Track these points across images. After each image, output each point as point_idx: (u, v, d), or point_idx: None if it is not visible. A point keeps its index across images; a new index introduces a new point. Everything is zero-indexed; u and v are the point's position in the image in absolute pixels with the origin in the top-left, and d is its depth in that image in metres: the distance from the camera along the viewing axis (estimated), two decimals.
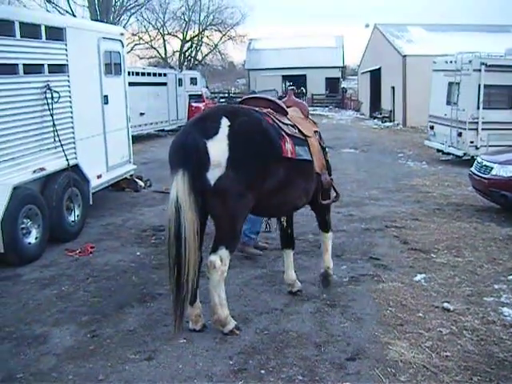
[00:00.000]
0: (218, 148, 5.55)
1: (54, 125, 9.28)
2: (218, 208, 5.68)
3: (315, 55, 58.28)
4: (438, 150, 20.79)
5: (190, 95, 31.39)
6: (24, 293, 7.23)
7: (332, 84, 59.81)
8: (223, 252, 5.72)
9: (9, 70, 8.47)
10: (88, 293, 7.19)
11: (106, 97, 11.40)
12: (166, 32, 53.29)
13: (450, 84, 19.80)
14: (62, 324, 6.24)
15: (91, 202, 10.51)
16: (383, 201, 12.92)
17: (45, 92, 9.11)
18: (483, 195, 11.94)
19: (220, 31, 54.74)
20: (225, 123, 5.67)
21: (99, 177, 11.17)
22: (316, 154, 6.77)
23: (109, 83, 11.54)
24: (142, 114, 25.08)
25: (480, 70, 18.36)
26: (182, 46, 54.19)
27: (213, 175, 5.52)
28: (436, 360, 5.35)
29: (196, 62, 54.77)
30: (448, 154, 19.98)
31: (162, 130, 29.45)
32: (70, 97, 9.94)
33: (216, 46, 55.37)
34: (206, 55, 56.43)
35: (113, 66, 11.86)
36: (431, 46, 32.97)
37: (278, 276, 7.68)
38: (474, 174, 11.95)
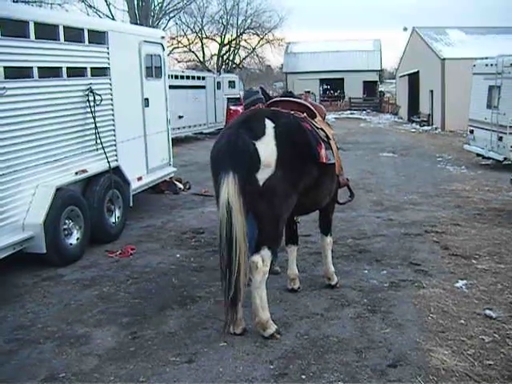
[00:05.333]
0: (267, 148, 5.63)
1: (95, 127, 9.39)
2: (264, 208, 5.72)
3: (353, 59, 58.14)
4: (478, 155, 20.39)
5: (228, 98, 31.46)
6: (66, 293, 7.34)
7: (369, 87, 59.46)
8: (265, 252, 5.76)
9: (53, 73, 8.63)
10: (128, 294, 7.26)
11: (146, 100, 11.50)
12: (204, 35, 53.60)
13: (491, 87, 19.40)
14: (103, 325, 6.31)
15: (131, 204, 10.59)
16: (423, 205, 12.74)
17: (87, 95, 9.24)
18: None
19: (258, 35, 54.83)
20: (269, 124, 5.76)
21: (139, 179, 11.27)
22: (336, 157, 6.90)
23: (150, 86, 11.64)
24: (180, 116, 25.22)
25: None
26: (219, 50, 54.41)
27: (262, 175, 5.60)
28: (479, 368, 5.25)
29: (234, 66, 54.91)
30: (488, 158, 19.62)
31: (201, 133, 29.61)
32: (111, 99, 10.06)
33: (254, 49, 55.45)
34: (244, 59, 56.53)
35: (154, 69, 11.95)
36: (470, 49, 32.52)
37: (317, 280, 7.65)
38: None
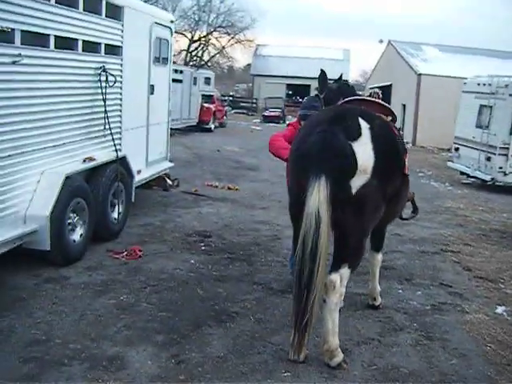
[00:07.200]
0: (365, 152, 4.84)
1: (105, 111, 8.35)
2: (352, 220, 4.93)
3: (321, 66, 57.15)
4: (462, 173, 20.11)
5: (202, 95, 30.47)
6: (77, 300, 6.27)
7: None
8: (345, 271, 5.03)
9: (69, 44, 7.55)
10: (152, 305, 6.25)
11: (152, 86, 10.41)
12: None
13: (482, 107, 19.11)
14: (135, 344, 5.31)
15: (133, 199, 9.52)
16: (424, 222, 12.21)
17: (99, 74, 8.16)
18: None
19: (228, 34, 53.93)
20: (364, 125, 4.98)
21: (139, 172, 10.08)
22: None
23: (156, 72, 10.55)
24: None
25: None
26: (189, 46, 53.34)
27: (356, 182, 4.80)
28: None
29: (202, 63, 53.85)
30: (473, 177, 19.35)
31: (170, 129, 28.37)
32: (121, 82, 8.97)
33: (223, 48, 54.51)
34: (213, 56, 55.52)
35: (161, 55, 10.87)
36: (446, 67, 32.58)
37: (354, 298, 6.96)
38: None
